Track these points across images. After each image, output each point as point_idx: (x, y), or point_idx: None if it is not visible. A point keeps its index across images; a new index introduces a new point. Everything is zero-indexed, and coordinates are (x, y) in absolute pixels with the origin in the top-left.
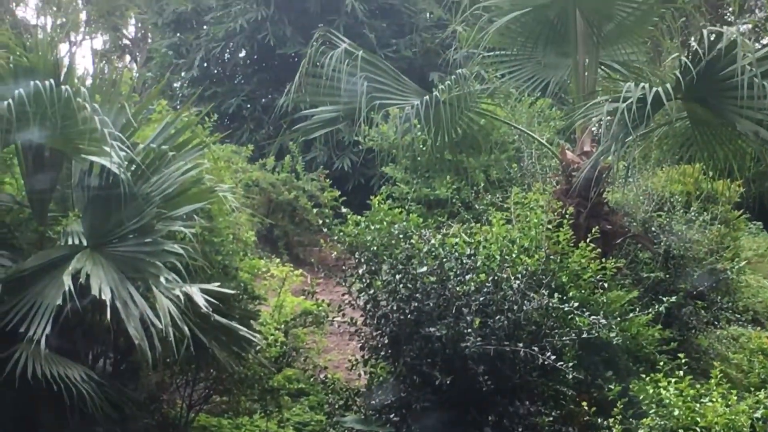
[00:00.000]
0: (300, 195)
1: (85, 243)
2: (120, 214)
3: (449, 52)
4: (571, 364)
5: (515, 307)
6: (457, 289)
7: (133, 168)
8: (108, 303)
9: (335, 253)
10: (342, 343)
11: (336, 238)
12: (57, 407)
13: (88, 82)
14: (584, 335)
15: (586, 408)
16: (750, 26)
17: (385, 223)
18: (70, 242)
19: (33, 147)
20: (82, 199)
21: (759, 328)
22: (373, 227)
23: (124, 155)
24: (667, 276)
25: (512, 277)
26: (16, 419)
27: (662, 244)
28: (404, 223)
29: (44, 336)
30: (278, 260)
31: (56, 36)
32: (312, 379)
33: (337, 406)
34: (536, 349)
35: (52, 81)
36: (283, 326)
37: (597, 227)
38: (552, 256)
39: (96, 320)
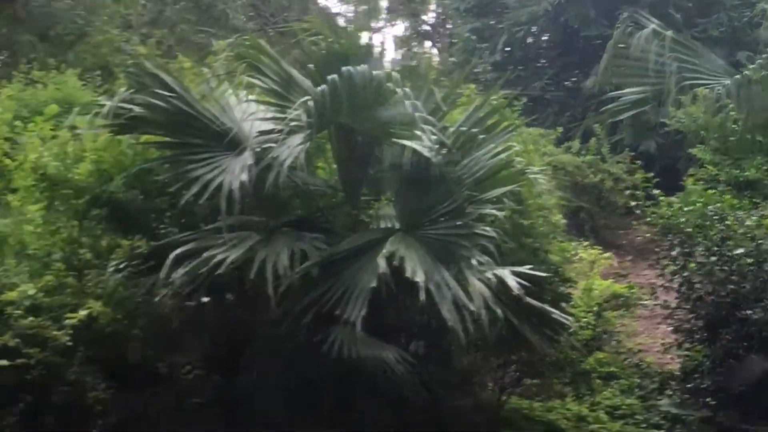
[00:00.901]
0: (606, 178)
1: (397, 226)
2: (431, 198)
3: (759, 30)
4: None
5: None
6: None
7: (443, 151)
8: (422, 285)
9: (648, 234)
10: (651, 327)
11: (649, 219)
12: (371, 388)
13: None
14: None
15: None
16: None
17: (698, 204)
18: (382, 225)
19: (345, 131)
20: (394, 183)
21: None
22: (686, 209)
23: (434, 139)
24: None
25: None
26: (333, 398)
27: None
28: (719, 205)
29: (359, 318)
30: (586, 243)
31: (364, 22)
32: (624, 363)
33: (650, 389)
34: None
35: (365, 66)
36: (595, 308)
37: None
38: None
39: (408, 303)
